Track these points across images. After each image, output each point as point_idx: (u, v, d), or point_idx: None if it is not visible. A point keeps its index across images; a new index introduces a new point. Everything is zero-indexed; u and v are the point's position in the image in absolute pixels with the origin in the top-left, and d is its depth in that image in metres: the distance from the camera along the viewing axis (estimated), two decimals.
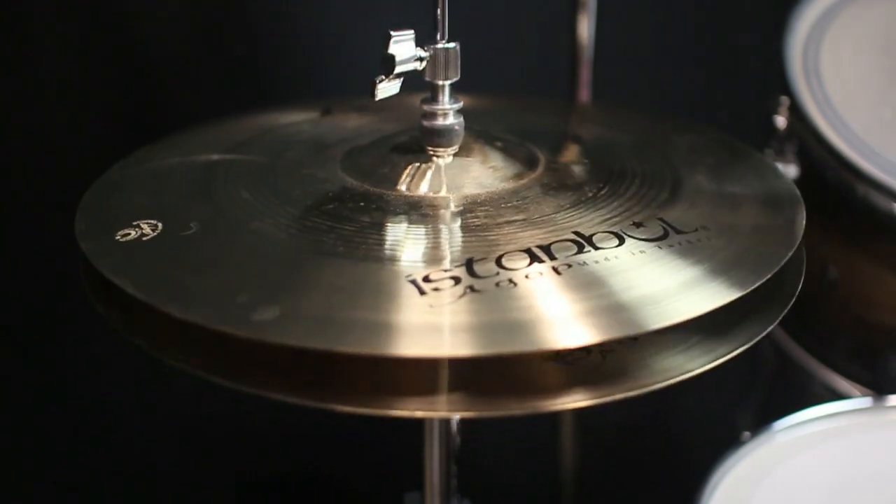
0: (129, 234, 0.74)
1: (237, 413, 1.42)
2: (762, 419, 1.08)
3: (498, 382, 0.70)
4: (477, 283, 0.67)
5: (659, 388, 0.69)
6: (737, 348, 0.71)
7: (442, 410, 0.71)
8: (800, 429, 1.05)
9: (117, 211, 0.79)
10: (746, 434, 1.05)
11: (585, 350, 0.72)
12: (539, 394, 0.69)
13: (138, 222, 0.76)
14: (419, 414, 0.69)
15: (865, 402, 1.10)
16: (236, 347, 0.70)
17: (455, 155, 0.82)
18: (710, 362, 0.70)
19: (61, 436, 1.43)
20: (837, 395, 1.19)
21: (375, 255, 0.71)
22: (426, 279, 0.68)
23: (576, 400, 0.68)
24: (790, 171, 1.18)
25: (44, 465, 1.42)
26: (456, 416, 0.88)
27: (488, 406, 0.68)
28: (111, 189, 0.84)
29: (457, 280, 0.67)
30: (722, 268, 0.71)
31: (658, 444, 1.64)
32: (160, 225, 0.75)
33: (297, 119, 1.00)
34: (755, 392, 1.36)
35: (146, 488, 1.50)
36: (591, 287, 0.68)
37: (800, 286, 0.78)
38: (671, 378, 0.69)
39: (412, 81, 0.81)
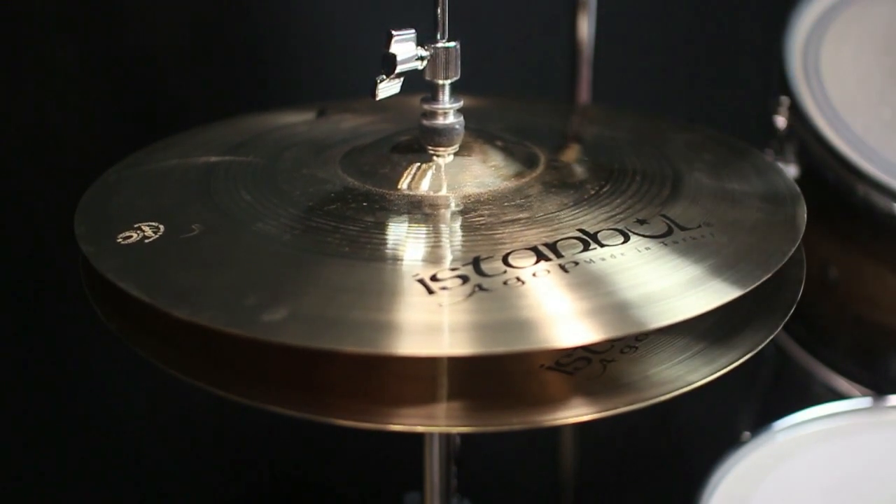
0: (131, 236, 0.74)
1: (235, 413, 1.42)
2: (762, 419, 1.08)
3: (498, 394, 0.70)
4: (485, 282, 0.67)
5: (660, 401, 0.69)
6: (739, 358, 0.72)
7: (441, 425, 0.71)
8: (800, 429, 1.05)
9: (117, 213, 0.79)
10: (746, 434, 1.05)
11: (586, 359, 0.72)
12: (539, 407, 0.69)
13: (139, 224, 0.75)
14: (419, 429, 0.69)
15: (865, 402, 1.10)
16: (238, 359, 0.70)
17: (455, 154, 0.82)
18: (712, 373, 0.71)
19: (61, 436, 1.43)
20: (837, 395, 1.19)
21: (382, 255, 0.71)
22: (434, 278, 0.67)
23: (576, 414, 0.68)
24: (790, 171, 1.18)
25: (44, 465, 1.42)
26: (455, 431, 0.88)
27: (488, 420, 0.68)
28: (110, 191, 0.83)
29: (465, 279, 0.67)
30: (727, 263, 0.71)
31: (658, 443, 1.64)
32: (162, 227, 0.75)
33: (296, 120, 1.00)
34: (755, 392, 1.36)
35: (146, 490, 1.50)
36: (599, 284, 0.68)
37: (800, 293, 0.78)
38: (673, 391, 0.69)
39: (410, 81, 0.81)
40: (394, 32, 0.78)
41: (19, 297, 1.36)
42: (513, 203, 0.77)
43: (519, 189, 0.80)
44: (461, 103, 0.82)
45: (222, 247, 0.73)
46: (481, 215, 0.76)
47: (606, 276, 0.69)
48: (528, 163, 0.84)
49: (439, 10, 0.79)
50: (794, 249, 0.74)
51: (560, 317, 0.65)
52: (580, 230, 0.73)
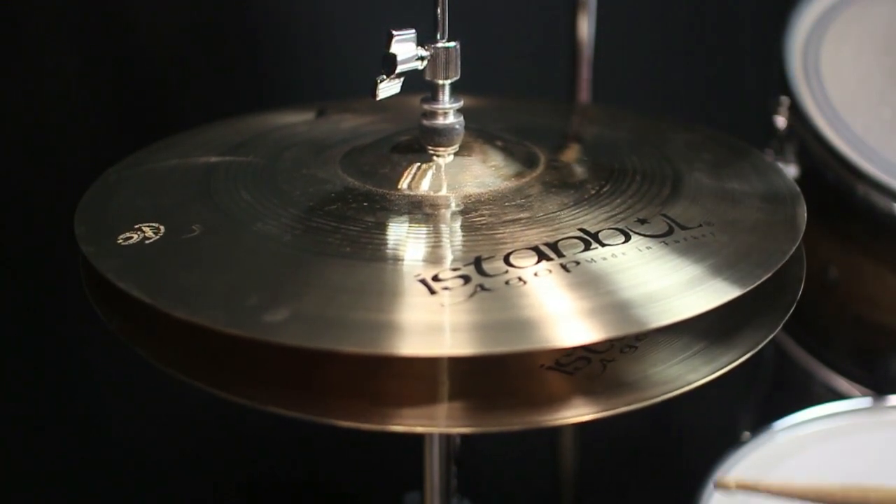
0: (132, 237, 0.74)
1: (235, 413, 1.41)
2: (762, 419, 1.08)
3: (498, 394, 0.70)
4: (487, 282, 0.67)
5: (660, 400, 0.69)
6: (738, 357, 0.72)
7: (441, 426, 0.71)
8: (800, 429, 1.05)
9: (117, 214, 0.78)
10: (746, 434, 1.05)
11: (586, 359, 0.72)
12: (539, 407, 0.69)
13: (140, 225, 0.75)
14: (419, 430, 0.68)
15: (865, 402, 1.10)
16: (238, 359, 0.70)
17: (455, 154, 0.82)
18: (712, 373, 0.70)
19: (61, 436, 1.43)
20: (837, 395, 1.19)
21: (383, 256, 0.71)
22: (435, 278, 0.67)
23: (576, 414, 0.68)
24: (790, 171, 1.18)
25: (44, 464, 1.42)
26: (455, 432, 0.88)
27: (488, 421, 0.68)
28: (110, 191, 0.83)
29: (466, 279, 0.67)
30: (728, 263, 0.71)
31: (658, 443, 1.64)
32: (162, 228, 0.75)
33: (296, 120, 1.00)
34: (755, 392, 1.36)
35: (146, 490, 1.50)
36: (600, 284, 0.68)
37: (800, 293, 0.78)
38: (672, 390, 0.69)
39: (410, 81, 0.81)
40: (394, 32, 0.78)
41: (19, 297, 1.36)
42: (513, 203, 0.77)
43: (519, 189, 0.80)
44: (461, 103, 0.82)
45: (223, 247, 0.73)
46: (482, 215, 0.76)
47: (607, 276, 0.69)
48: (529, 163, 0.84)
49: (439, 10, 0.79)
50: (794, 249, 0.74)
51: (562, 316, 0.65)
52: (581, 230, 0.73)
